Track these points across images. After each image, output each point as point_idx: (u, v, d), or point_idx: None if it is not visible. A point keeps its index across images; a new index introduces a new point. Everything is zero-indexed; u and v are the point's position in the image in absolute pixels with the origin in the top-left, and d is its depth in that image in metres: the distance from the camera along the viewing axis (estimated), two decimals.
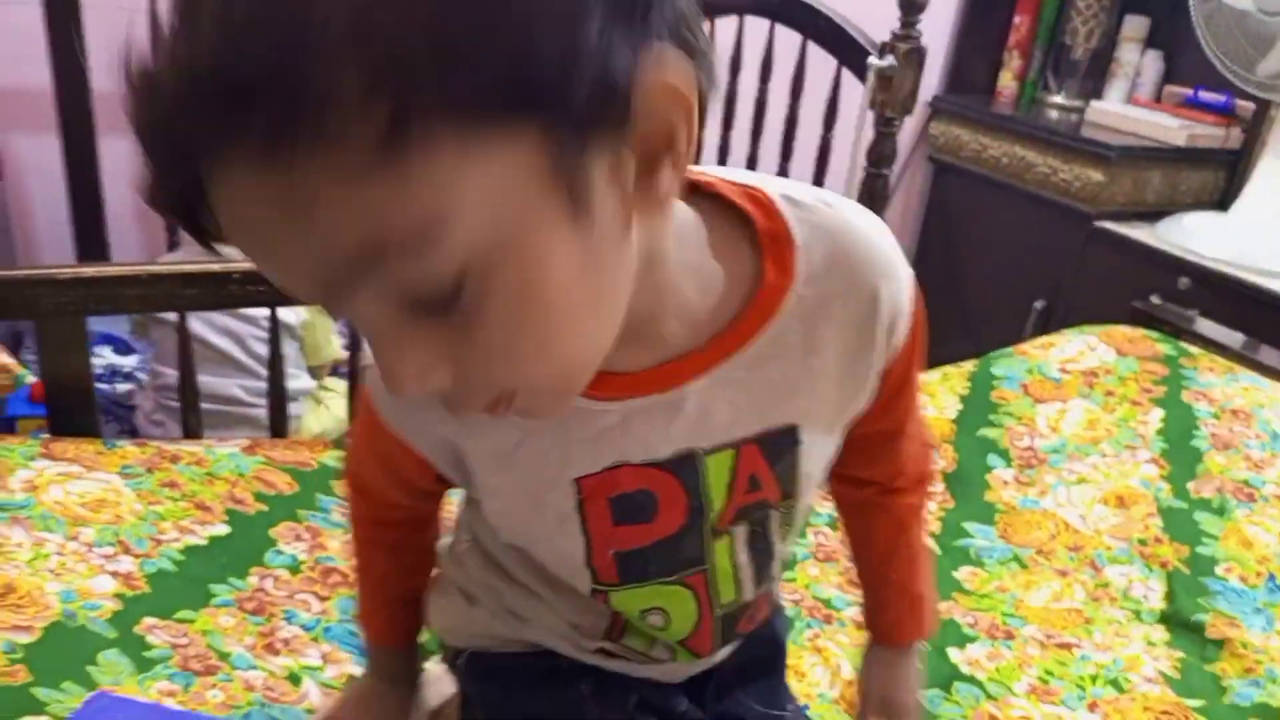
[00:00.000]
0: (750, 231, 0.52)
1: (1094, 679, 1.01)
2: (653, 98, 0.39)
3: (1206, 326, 1.65)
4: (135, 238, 1.93)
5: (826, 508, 1.27)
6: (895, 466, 0.68)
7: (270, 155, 0.34)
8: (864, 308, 0.54)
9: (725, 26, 1.95)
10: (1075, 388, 1.48)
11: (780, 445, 0.56)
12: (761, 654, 0.74)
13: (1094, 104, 2.30)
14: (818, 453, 0.58)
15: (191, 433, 1.24)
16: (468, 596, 0.68)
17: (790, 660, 0.98)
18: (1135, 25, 2.35)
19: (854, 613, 1.09)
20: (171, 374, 1.44)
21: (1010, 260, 2.29)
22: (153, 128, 0.36)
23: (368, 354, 0.45)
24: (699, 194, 0.51)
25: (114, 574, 0.95)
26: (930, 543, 1.24)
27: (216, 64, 0.34)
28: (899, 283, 0.56)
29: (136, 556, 0.98)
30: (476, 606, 0.68)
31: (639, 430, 0.53)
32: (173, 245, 1.81)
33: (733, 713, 0.72)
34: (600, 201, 0.40)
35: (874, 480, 0.69)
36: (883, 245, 0.55)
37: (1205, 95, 2.21)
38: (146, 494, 1.06)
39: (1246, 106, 2.12)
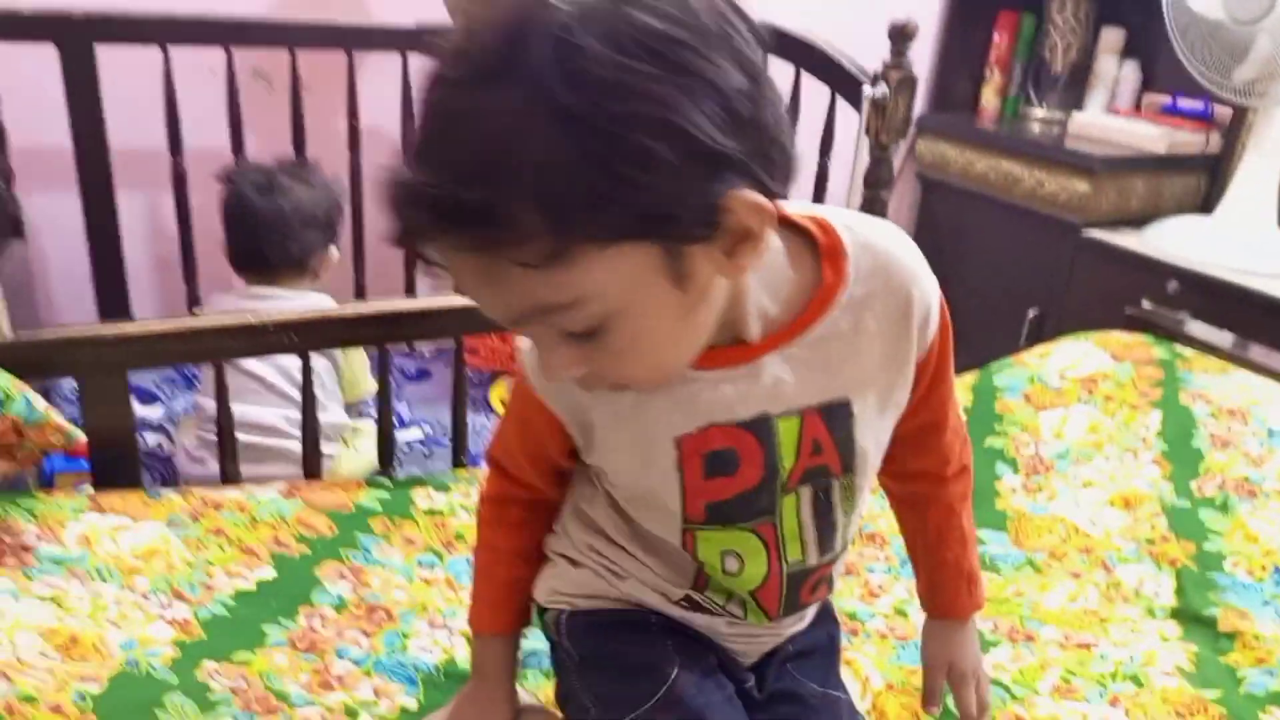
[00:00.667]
0: (814, 246, 0.68)
1: (1114, 675, 1.06)
2: (737, 214, 0.56)
3: (1198, 328, 1.71)
4: (154, 293, 1.97)
5: None
6: (940, 455, 0.81)
7: (477, 250, 0.54)
8: (900, 305, 0.70)
9: None
10: (1075, 394, 1.53)
11: (837, 415, 0.70)
12: (818, 642, 0.86)
13: (1075, 115, 2.36)
14: (870, 428, 0.72)
15: (229, 479, 1.28)
16: (571, 561, 0.81)
17: None
18: (1112, 37, 2.42)
19: (879, 624, 1.13)
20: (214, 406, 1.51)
21: (1002, 272, 2.35)
22: (402, 214, 0.54)
23: (525, 343, 0.69)
24: (780, 223, 0.65)
25: (171, 621, 0.99)
26: None
27: (443, 194, 0.51)
28: (927, 288, 0.71)
29: (190, 603, 1.02)
30: (579, 568, 0.80)
31: (725, 394, 0.68)
32: (193, 300, 1.85)
33: (789, 689, 0.82)
34: (696, 276, 0.58)
35: (924, 471, 0.82)
36: (914, 257, 0.71)
37: (1183, 102, 2.27)
38: (194, 542, 1.10)
39: (1224, 112, 2.19)
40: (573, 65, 0.50)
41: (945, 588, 0.86)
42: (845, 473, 0.73)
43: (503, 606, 0.85)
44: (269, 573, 1.09)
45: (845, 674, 1.03)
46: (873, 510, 1.34)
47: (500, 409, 1.86)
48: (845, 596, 1.18)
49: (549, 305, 0.56)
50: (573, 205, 0.51)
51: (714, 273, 0.59)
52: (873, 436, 0.73)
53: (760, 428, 0.69)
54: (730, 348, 0.67)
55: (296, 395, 1.50)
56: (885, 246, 0.69)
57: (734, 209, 0.55)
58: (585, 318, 0.56)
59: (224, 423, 1.25)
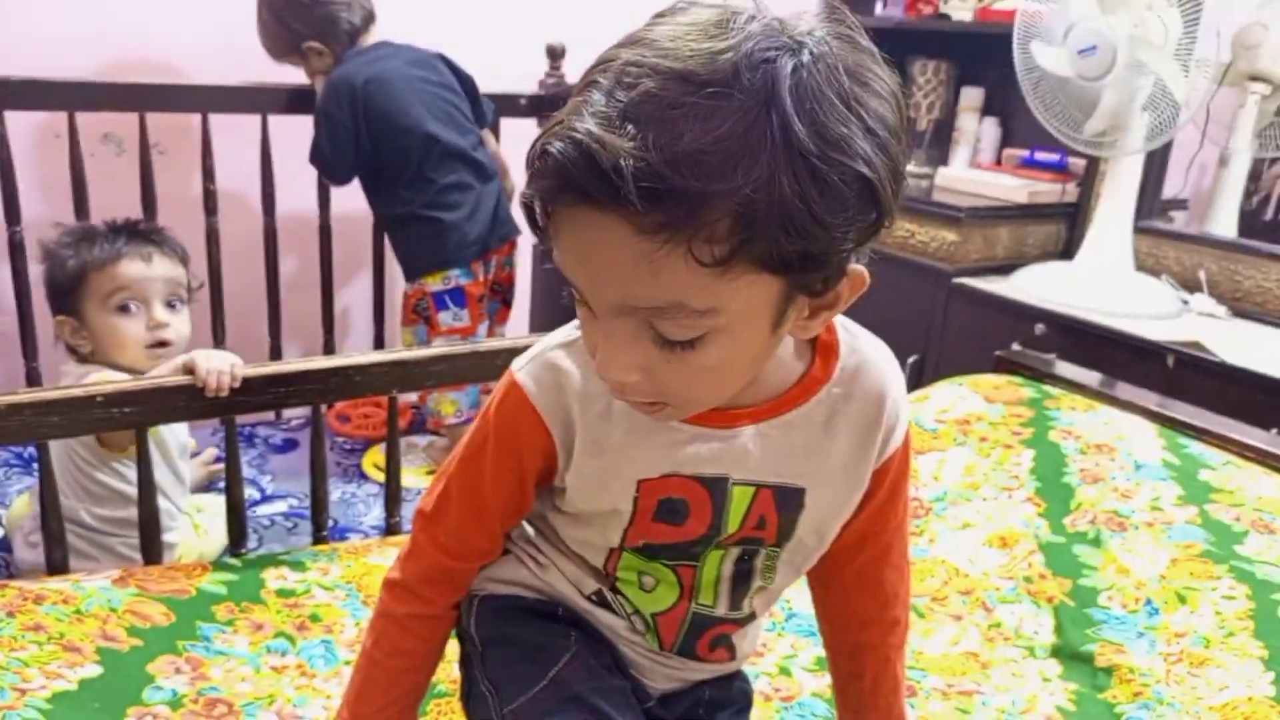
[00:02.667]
0: (815, 340, 0.71)
1: None
2: (849, 281, 0.60)
3: (1065, 368, 1.75)
4: None
5: None
6: (883, 595, 0.82)
7: (653, 232, 0.53)
8: (872, 413, 0.72)
9: None
10: (951, 437, 1.54)
11: (789, 499, 0.73)
12: (735, 696, 0.88)
13: (942, 170, 2.44)
14: (814, 521, 0.74)
15: (57, 569, 1.17)
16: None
17: None
18: (972, 96, 2.53)
19: (763, 684, 1.09)
20: None
21: (881, 319, 2.33)
22: (574, 172, 0.53)
23: (526, 374, 0.71)
24: None
25: None
26: None
27: (652, 167, 0.51)
28: (900, 405, 0.74)
29: (3, 708, 0.91)
30: (505, 554, 0.81)
31: (697, 449, 0.70)
32: (32, 376, 1.72)
33: None
34: (786, 322, 0.61)
35: (865, 614, 0.83)
36: (895, 374, 0.74)
37: (1041, 155, 2.37)
38: (7, 641, 0.99)
39: (1079, 163, 2.30)
40: (812, 106, 0.53)
41: None
42: (775, 546, 0.75)
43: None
44: (94, 670, 0.98)
45: None
46: None
47: (377, 475, 1.77)
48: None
49: (685, 306, 0.56)
50: (766, 225, 0.53)
51: (793, 325, 0.62)
52: (814, 529, 0.75)
53: (717, 487, 0.71)
54: (712, 412, 0.69)
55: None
56: (873, 356, 0.73)
57: (850, 276, 0.60)
58: (697, 327, 0.58)
59: (48, 505, 1.15)
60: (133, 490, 1.39)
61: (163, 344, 1.40)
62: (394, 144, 1.76)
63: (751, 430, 0.70)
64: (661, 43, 0.54)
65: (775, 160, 0.52)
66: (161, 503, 1.44)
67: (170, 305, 1.42)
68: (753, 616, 0.80)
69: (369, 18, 1.82)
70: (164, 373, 1.22)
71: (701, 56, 0.53)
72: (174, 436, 1.46)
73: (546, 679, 0.75)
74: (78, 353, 1.42)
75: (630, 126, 0.52)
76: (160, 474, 1.43)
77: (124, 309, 1.38)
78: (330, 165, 1.80)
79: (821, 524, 0.75)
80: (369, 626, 0.81)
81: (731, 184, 0.52)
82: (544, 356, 0.71)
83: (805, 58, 0.54)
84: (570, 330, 0.71)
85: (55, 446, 1.38)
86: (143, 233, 1.42)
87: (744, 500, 0.72)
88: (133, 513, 1.25)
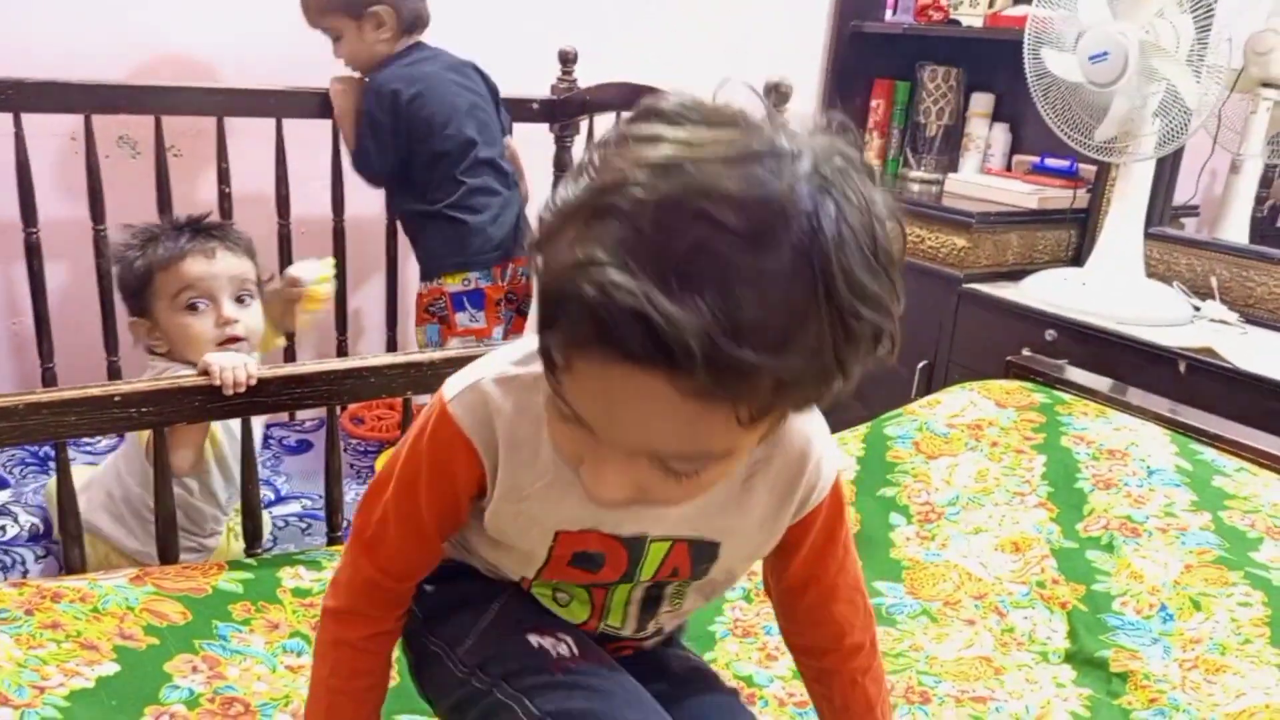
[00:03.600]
0: None
1: None
2: None
3: (1076, 374, 1.75)
4: (7, 373, 1.85)
5: (740, 582, 1.28)
6: (835, 628, 0.83)
7: (696, 397, 0.51)
8: (792, 473, 0.73)
9: (603, 123, 2.02)
10: (963, 442, 1.54)
11: (704, 551, 0.75)
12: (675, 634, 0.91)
13: (951, 176, 2.45)
14: (726, 566, 0.77)
15: (73, 568, 1.17)
16: None
17: None
18: (982, 101, 2.53)
19: (776, 689, 1.09)
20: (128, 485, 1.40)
21: None
22: (619, 324, 0.49)
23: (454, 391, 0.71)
24: None
25: None
26: None
27: (714, 342, 0.49)
28: (823, 471, 0.75)
29: (16, 706, 0.91)
30: None
31: (619, 511, 0.69)
32: (47, 377, 1.73)
33: (654, 661, 0.86)
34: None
35: (820, 645, 0.84)
36: (820, 434, 0.75)
37: (1051, 161, 2.38)
38: (25, 639, 0.99)
39: (1089, 169, 2.30)
40: (849, 263, 0.51)
41: None
42: (687, 581, 0.78)
43: None
44: (111, 668, 0.98)
45: None
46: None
47: None
48: (742, 660, 1.13)
49: (710, 454, 0.57)
50: (803, 383, 0.54)
51: None
52: (725, 571, 0.79)
53: (635, 545, 0.73)
54: None
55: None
56: (799, 423, 0.72)
57: None
58: (709, 463, 0.58)
59: (66, 506, 1.15)
60: (191, 487, 1.42)
61: (233, 340, 1.38)
62: (433, 148, 1.76)
63: None
64: (690, 170, 0.50)
65: (821, 326, 0.51)
66: (208, 508, 1.45)
67: (239, 300, 1.40)
68: (659, 632, 0.84)
69: (424, 21, 1.82)
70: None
71: (744, 200, 0.50)
72: (232, 443, 1.45)
73: (491, 613, 0.79)
74: (156, 352, 1.42)
75: (686, 291, 0.48)
76: (215, 480, 1.43)
77: (192, 307, 1.37)
78: (374, 168, 1.81)
79: (732, 569, 0.79)
80: (317, 658, 0.80)
81: (786, 356, 0.51)
82: (479, 386, 0.70)
83: (838, 202, 0.52)
84: (506, 362, 0.70)
85: (129, 438, 1.42)
86: (206, 229, 1.41)
87: (659, 553, 0.74)
88: (192, 509, 1.26)
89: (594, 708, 0.72)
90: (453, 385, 0.71)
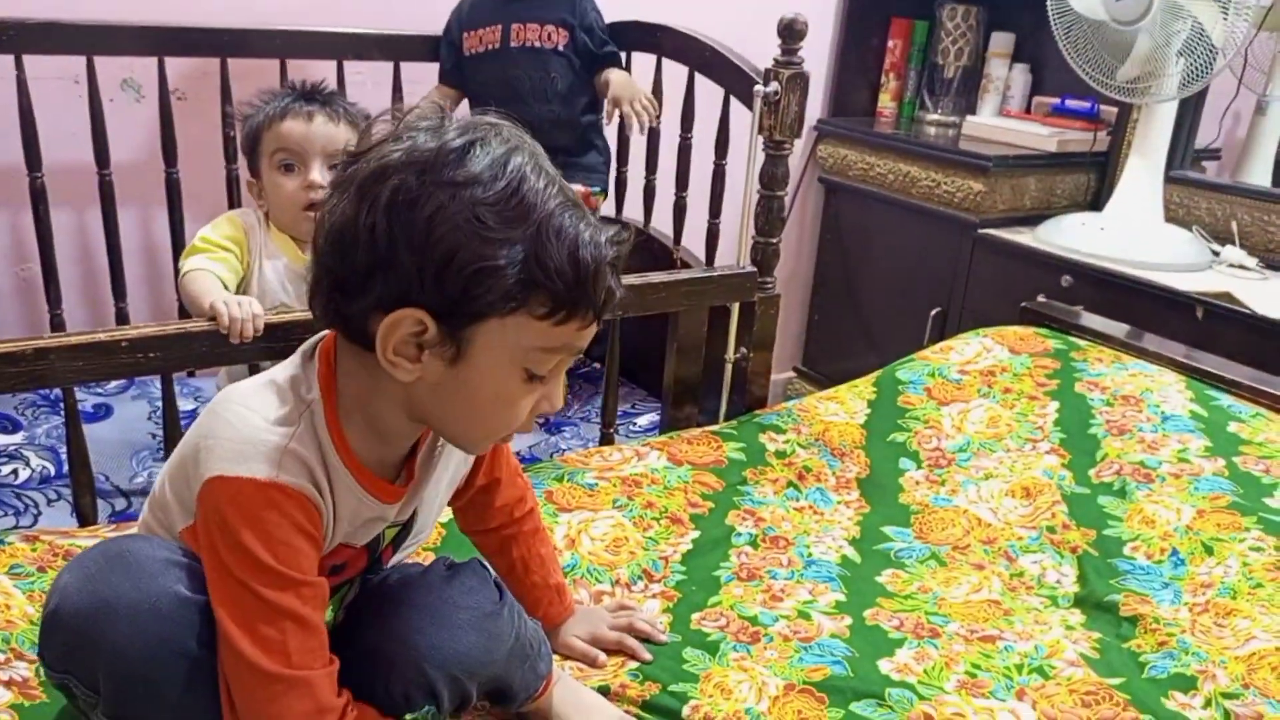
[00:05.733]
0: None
1: (1019, 668, 1.03)
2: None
3: (1092, 320, 1.73)
4: (15, 318, 1.85)
5: (746, 527, 1.28)
6: (512, 505, 0.98)
7: None
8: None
9: None
10: (975, 388, 1.53)
11: (413, 519, 0.87)
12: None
13: (969, 119, 2.40)
14: (430, 513, 0.90)
15: (85, 520, 1.18)
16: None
17: (716, 679, 0.99)
18: (1001, 41, 2.47)
19: (781, 627, 1.09)
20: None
21: (905, 271, 2.36)
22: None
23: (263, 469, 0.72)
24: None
25: (7, 683, 0.89)
26: (850, 550, 1.25)
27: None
28: None
29: (32, 663, 0.92)
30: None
31: (372, 525, 0.81)
32: (55, 322, 1.73)
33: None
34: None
35: (502, 520, 0.98)
36: None
37: (1071, 103, 2.32)
38: (39, 595, 1.00)
39: (1110, 111, 2.25)
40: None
41: (542, 603, 1.02)
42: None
43: None
44: None
45: (740, 679, 0.99)
46: (775, 514, 1.31)
47: None
48: (747, 603, 1.14)
49: None
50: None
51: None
52: (435, 514, 0.92)
53: (373, 544, 0.83)
54: (399, 487, 0.81)
55: None
56: None
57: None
58: None
59: (75, 458, 1.15)
60: None
61: (314, 205, 1.37)
62: None
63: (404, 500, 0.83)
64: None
65: None
66: None
67: (333, 168, 1.38)
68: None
69: None
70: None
71: None
72: None
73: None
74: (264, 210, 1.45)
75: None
76: None
77: (287, 168, 1.39)
78: None
79: (435, 510, 0.91)
80: None
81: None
82: (277, 454, 0.71)
83: None
84: (271, 434, 0.72)
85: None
86: (311, 94, 1.41)
87: (390, 534, 0.85)
88: None
89: None
90: (241, 466, 0.70)
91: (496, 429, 0.76)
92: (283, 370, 0.77)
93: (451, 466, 0.89)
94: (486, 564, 0.92)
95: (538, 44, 1.89)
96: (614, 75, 1.87)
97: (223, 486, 0.70)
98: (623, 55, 1.93)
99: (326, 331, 0.77)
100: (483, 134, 0.69)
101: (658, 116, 1.89)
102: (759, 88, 1.53)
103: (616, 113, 1.80)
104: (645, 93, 1.83)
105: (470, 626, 0.81)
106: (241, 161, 1.55)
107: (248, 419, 0.72)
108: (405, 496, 0.82)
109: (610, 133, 1.99)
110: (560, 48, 1.89)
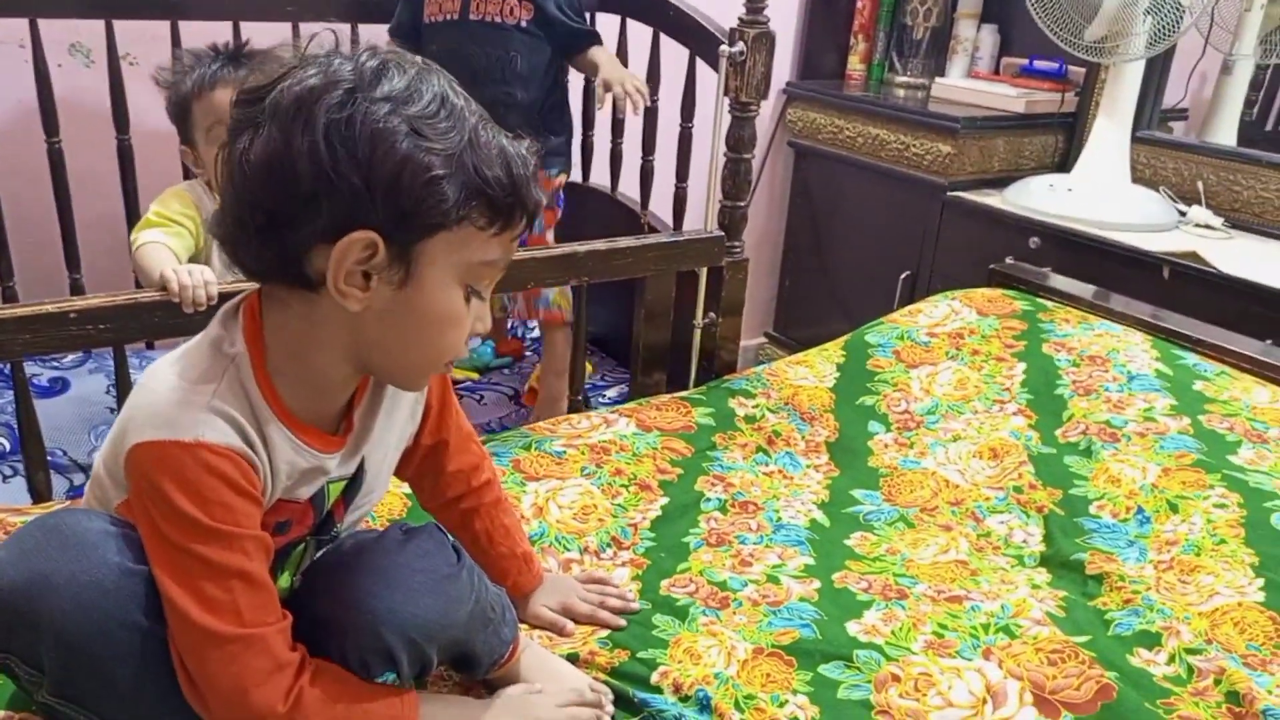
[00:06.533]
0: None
1: (986, 628, 1.04)
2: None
3: (1060, 281, 1.73)
4: None
5: (715, 492, 1.27)
6: (469, 474, 0.97)
7: None
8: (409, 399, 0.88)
9: None
10: (943, 350, 1.52)
11: (361, 471, 0.85)
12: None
13: (938, 80, 2.38)
14: (381, 470, 0.88)
15: (40, 496, 1.16)
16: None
17: (685, 644, 0.99)
18: (970, 2, 2.44)
19: (750, 591, 1.09)
20: None
21: (874, 235, 2.35)
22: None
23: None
24: None
25: None
26: (819, 514, 1.25)
27: None
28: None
29: None
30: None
31: (313, 477, 0.79)
32: (8, 293, 1.69)
33: None
34: None
35: (460, 490, 0.97)
36: None
37: (1039, 64, 2.31)
38: None
39: (1078, 71, 2.24)
40: None
41: (510, 573, 1.01)
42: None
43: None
44: None
45: (709, 645, 0.99)
46: (745, 479, 1.30)
47: None
48: (716, 568, 1.13)
49: None
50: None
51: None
52: (385, 472, 0.89)
53: (317, 499, 0.80)
54: (334, 436, 0.79)
55: None
56: None
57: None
58: None
59: (29, 432, 1.13)
60: None
61: None
62: None
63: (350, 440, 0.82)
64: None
65: None
66: None
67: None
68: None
69: None
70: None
71: None
72: None
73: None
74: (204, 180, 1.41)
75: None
76: None
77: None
78: None
79: (389, 466, 0.89)
80: None
81: None
82: (199, 412, 0.69)
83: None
84: (192, 394, 0.70)
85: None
86: (237, 56, 1.36)
87: (337, 489, 0.82)
88: None
89: None
90: (170, 430, 0.68)
91: (441, 353, 0.75)
92: (204, 333, 0.75)
93: (399, 422, 0.87)
94: (443, 529, 0.91)
95: (498, 19, 1.76)
96: (600, 56, 1.76)
97: (147, 452, 0.68)
98: (586, 16, 1.89)
99: (249, 291, 0.75)
100: (392, 57, 0.69)
101: (653, 98, 1.82)
102: (724, 48, 1.51)
103: (609, 96, 1.68)
104: (636, 76, 1.73)
105: (426, 589, 0.80)
106: None
107: (167, 382, 0.70)
108: (346, 446, 0.80)
109: (576, 100, 1.95)
110: (523, 23, 1.77)
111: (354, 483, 0.84)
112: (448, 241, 0.68)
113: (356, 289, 0.68)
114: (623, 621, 1.03)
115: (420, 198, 0.65)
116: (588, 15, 1.85)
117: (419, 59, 0.70)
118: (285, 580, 0.84)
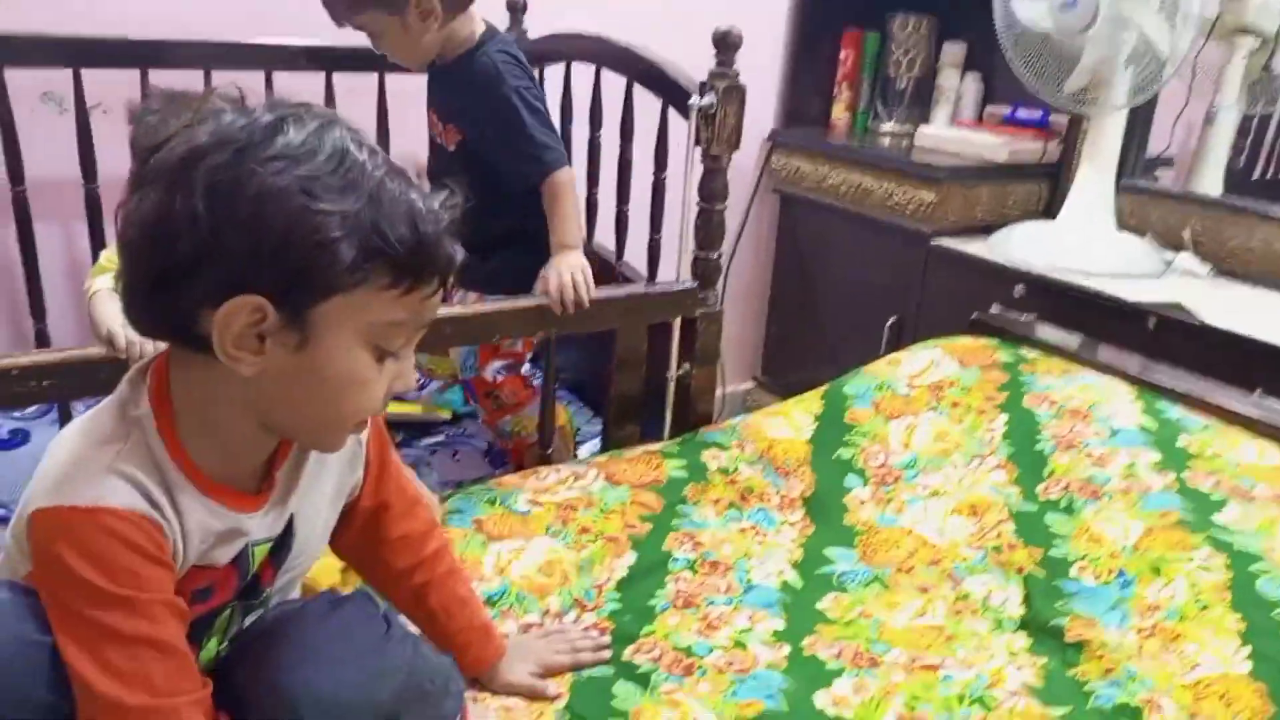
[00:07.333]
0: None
1: (960, 699, 0.99)
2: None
3: (1046, 331, 1.70)
4: None
5: (684, 552, 1.23)
6: (417, 541, 0.93)
7: None
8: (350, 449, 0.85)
9: (553, 74, 1.94)
10: (924, 401, 1.49)
11: (288, 532, 0.81)
12: None
13: (922, 129, 2.37)
14: (314, 531, 0.84)
15: None
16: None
17: (647, 715, 0.95)
18: (953, 51, 2.45)
19: (716, 658, 1.05)
20: None
21: (860, 282, 2.33)
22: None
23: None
24: None
25: None
26: (792, 574, 1.21)
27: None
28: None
29: None
30: None
31: (232, 539, 0.75)
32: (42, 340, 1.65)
33: None
34: None
35: (409, 561, 0.93)
36: None
37: (1023, 113, 2.31)
38: None
39: (1061, 120, 2.23)
40: None
41: (472, 645, 0.97)
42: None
43: None
44: None
45: (671, 717, 0.94)
46: (715, 537, 1.26)
47: None
48: (682, 631, 1.09)
49: None
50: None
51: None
52: (319, 533, 0.85)
53: (241, 562, 0.76)
54: (251, 496, 0.75)
55: None
56: None
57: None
58: None
59: None
60: None
61: None
62: None
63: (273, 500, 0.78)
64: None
65: None
66: None
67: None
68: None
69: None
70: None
71: None
72: None
73: None
74: None
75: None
76: None
77: None
78: (559, 148, 1.51)
79: (325, 526, 0.86)
80: None
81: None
82: (101, 475, 0.66)
83: None
84: (93, 457, 0.67)
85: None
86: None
87: (263, 551, 0.78)
88: None
89: None
90: (68, 496, 0.65)
91: (351, 414, 0.71)
92: (112, 395, 0.72)
93: (333, 479, 0.83)
94: (374, 595, 0.86)
95: (439, 140, 1.59)
96: (555, 213, 1.49)
97: (45, 519, 0.65)
98: (562, 65, 1.88)
99: (156, 355, 0.72)
100: (293, 111, 0.65)
101: (627, 147, 1.73)
102: (694, 100, 1.49)
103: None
104: (582, 279, 1.40)
105: (348, 661, 0.75)
106: None
107: (68, 447, 0.68)
108: (267, 505, 0.77)
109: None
110: (452, 148, 1.55)
111: (283, 544, 0.80)
112: (347, 303, 0.65)
113: (248, 353, 0.65)
114: (606, 654, 1.03)
115: (310, 260, 0.62)
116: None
117: (328, 111, 0.67)
118: (213, 647, 0.80)
